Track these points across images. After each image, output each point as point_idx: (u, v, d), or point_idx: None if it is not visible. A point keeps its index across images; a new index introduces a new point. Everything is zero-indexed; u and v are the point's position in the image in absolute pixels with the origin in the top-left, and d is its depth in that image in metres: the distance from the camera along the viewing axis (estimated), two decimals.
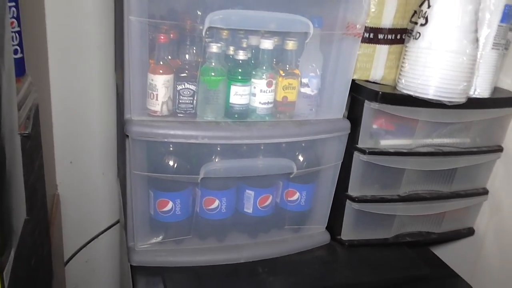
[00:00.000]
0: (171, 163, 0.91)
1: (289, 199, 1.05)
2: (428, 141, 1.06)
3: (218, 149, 0.94)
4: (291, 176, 0.99)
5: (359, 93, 1.02)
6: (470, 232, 1.22)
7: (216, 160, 0.94)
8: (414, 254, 1.13)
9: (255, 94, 0.93)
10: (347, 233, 1.11)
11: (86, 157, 1.48)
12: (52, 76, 1.34)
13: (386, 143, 1.04)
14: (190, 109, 0.90)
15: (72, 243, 1.57)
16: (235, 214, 1.02)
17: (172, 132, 0.87)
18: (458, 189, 1.14)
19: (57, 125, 1.40)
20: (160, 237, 0.99)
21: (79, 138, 1.45)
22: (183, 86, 0.88)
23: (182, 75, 0.88)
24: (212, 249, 1.02)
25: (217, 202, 0.98)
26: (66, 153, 1.45)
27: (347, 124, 1.02)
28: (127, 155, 0.89)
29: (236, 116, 0.93)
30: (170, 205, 0.95)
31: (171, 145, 0.91)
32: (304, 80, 0.96)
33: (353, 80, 1.02)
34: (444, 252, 1.20)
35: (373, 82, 1.05)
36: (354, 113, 1.03)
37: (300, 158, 1.01)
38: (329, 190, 1.08)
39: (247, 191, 1.01)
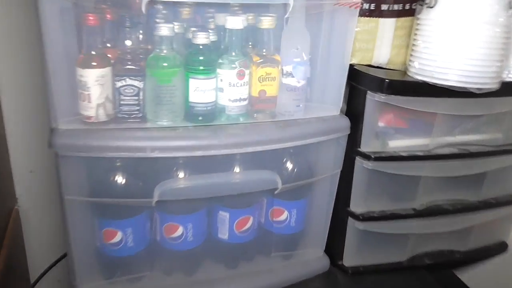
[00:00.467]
0: (115, 184, 0.70)
1: (275, 219, 0.84)
2: (450, 139, 0.84)
3: (179, 162, 0.72)
4: (275, 192, 0.77)
5: (360, 81, 0.80)
6: (502, 248, 1.00)
7: (176, 177, 0.72)
8: (434, 279, 0.92)
9: (223, 89, 0.71)
10: (350, 258, 0.89)
11: (49, 165, 1.27)
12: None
13: (396, 144, 0.83)
14: (135, 112, 0.68)
15: (40, 262, 1.38)
16: (207, 241, 0.81)
17: (111, 144, 0.66)
18: (488, 197, 0.92)
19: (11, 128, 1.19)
20: (111, 275, 0.78)
21: (38, 143, 1.24)
22: (124, 83, 0.66)
23: (123, 67, 0.66)
24: (179, 286, 0.81)
25: (180, 229, 0.77)
26: (25, 161, 1.25)
27: (345, 123, 0.80)
28: (57, 175, 0.68)
29: (199, 119, 0.71)
30: (119, 235, 0.74)
31: (115, 161, 0.69)
32: (287, 68, 0.74)
33: (351, 66, 0.80)
34: (471, 276, 0.98)
35: (377, 67, 0.84)
36: (354, 108, 0.82)
37: (287, 168, 0.79)
38: (326, 206, 0.86)
39: (220, 212, 0.80)
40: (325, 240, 0.89)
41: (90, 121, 0.67)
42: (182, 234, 0.77)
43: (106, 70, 0.65)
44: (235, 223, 0.80)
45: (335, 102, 0.80)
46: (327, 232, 0.88)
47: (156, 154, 0.67)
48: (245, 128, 0.73)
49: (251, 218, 0.81)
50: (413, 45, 0.78)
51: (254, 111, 0.75)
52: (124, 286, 0.78)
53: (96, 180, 0.70)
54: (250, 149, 0.71)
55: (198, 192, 0.73)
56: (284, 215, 0.84)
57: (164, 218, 0.76)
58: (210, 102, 0.71)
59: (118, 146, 0.66)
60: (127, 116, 0.68)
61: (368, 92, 0.77)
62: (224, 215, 0.80)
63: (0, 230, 0.96)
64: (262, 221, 0.85)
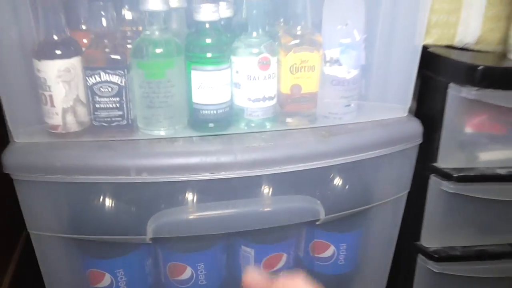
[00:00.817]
0: (95, 215, 0.51)
1: (318, 255, 0.63)
2: None
3: (182, 186, 0.53)
4: (317, 223, 0.56)
5: (438, 70, 0.57)
6: None
7: (177, 207, 0.52)
8: None
9: (239, 84, 0.50)
10: None
11: None
12: None
13: (491, 157, 0.59)
14: (117, 118, 0.49)
15: None
16: (227, 280, 0.61)
17: (81, 163, 0.47)
18: None
19: None
20: None
21: None
22: (98, 79, 0.47)
23: (96, 58, 0.47)
24: None
25: (189, 271, 0.57)
26: None
27: (416, 128, 0.57)
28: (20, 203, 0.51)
29: (209, 126, 0.51)
30: (107, 279, 0.56)
31: (94, 185, 0.51)
32: (332, 53, 0.52)
33: (424, 48, 0.57)
34: None
35: (462, 49, 0.59)
36: (428, 108, 0.59)
37: (333, 191, 0.57)
38: (387, 239, 0.64)
39: (243, 248, 0.59)
40: (384, 285, 0.66)
41: (57, 131, 0.49)
42: (191, 277, 0.58)
43: (73, 62, 0.47)
44: (262, 262, 0.59)
45: (402, 99, 0.57)
46: (387, 274, 0.65)
47: (144, 178, 0.47)
48: (273, 138, 0.52)
49: (285, 256, 0.60)
50: None
51: (286, 114, 0.53)
52: None
53: (68, 211, 0.52)
54: (279, 169, 0.50)
55: (205, 228, 0.53)
56: (330, 251, 0.62)
57: (167, 256, 0.57)
58: (222, 103, 0.50)
59: (91, 167, 0.47)
60: (106, 125, 0.49)
61: (451, 85, 0.55)
62: (248, 252, 0.59)
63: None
64: (301, 255, 0.64)
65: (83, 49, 0.47)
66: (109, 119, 0.49)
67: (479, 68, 0.52)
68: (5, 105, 0.47)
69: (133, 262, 0.57)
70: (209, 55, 0.48)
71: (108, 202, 0.51)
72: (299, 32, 0.50)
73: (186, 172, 0.48)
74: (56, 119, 0.48)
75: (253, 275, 0.31)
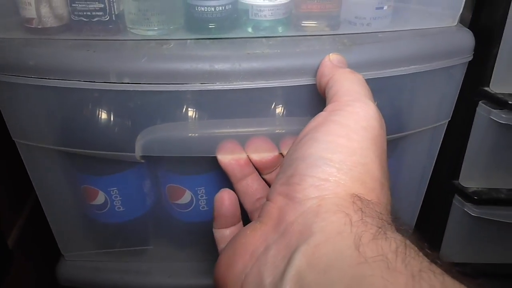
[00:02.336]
0: (79, 126, 0.46)
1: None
2: None
3: (170, 97, 0.46)
4: None
5: None
6: None
7: (169, 121, 0.46)
8: None
9: None
10: (451, 256, 0.58)
11: None
12: None
13: None
14: (98, 13, 0.42)
15: None
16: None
17: (53, 62, 0.41)
18: None
19: None
20: (101, 245, 0.58)
21: None
22: None
23: None
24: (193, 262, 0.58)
25: (188, 195, 0.52)
26: None
27: (467, 41, 0.46)
28: None
29: (209, 27, 0.43)
30: (101, 196, 0.52)
31: (77, 91, 0.45)
32: None
33: None
34: None
35: None
36: (485, 18, 0.46)
37: None
38: (419, 175, 0.54)
39: None
40: (413, 227, 0.58)
41: (32, 26, 0.42)
42: (191, 201, 0.52)
43: None
44: None
45: (451, 3, 0.45)
46: (417, 214, 0.57)
47: (126, 86, 0.41)
48: (282, 45, 0.43)
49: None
50: None
51: (302, 17, 0.44)
52: (123, 257, 0.58)
53: (49, 119, 0.46)
54: (285, 82, 0.42)
55: (200, 149, 0.46)
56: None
57: (166, 176, 0.52)
58: (224, 3, 0.42)
59: (66, 68, 0.41)
60: (85, 20, 0.42)
61: None
62: None
63: None
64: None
65: None
66: (88, 13, 0.41)
67: None
68: None
69: (128, 181, 0.52)
70: None
71: (92, 112, 0.45)
72: None
73: (174, 80, 0.41)
74: (29, 11, 0.41)
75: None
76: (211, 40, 0.43)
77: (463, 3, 0.45)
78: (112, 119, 0.45)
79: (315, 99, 0.42)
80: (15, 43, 0.42)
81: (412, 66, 0.44)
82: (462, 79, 0.47)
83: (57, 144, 0.46)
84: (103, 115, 0.44)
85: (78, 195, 0.53)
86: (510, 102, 0.46)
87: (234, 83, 0.41)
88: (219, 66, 0.40)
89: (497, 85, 0.47)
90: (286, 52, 0.42)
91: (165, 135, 0.44)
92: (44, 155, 0.49)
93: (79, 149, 0.46)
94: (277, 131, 0.44)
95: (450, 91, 0.48)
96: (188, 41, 0.43)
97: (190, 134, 0.45)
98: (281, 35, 0.44)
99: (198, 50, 0.41)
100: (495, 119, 0.47)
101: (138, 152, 0.45)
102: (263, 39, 0.43)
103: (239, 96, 0.42)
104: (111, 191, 0.51)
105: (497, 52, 0.46)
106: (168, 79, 0.41)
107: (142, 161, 0.47)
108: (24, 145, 0.48)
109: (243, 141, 0.44)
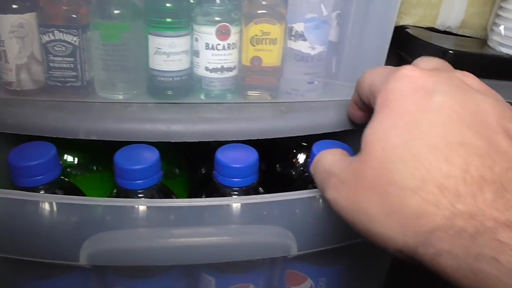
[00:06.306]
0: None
1: (293, 287, 0.57)
2: None
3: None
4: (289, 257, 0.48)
5: (412, 51, 0.55)
6: None
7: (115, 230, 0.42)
8: None
9: (198, 52, 0.49)
10: None
11: None
12: None
13: None
14: (72, 79, 0.48)
15: None
16: None
17: (29, 121, 0.47)
18: None
19: None
20: None
21: None
22: (52, 37, 0.46)
23: (51, 14, 0.46)
24: None
25: None
26: None
27: None
28: None
29: (167, 93, 0.50)
30: None
31: None
32: (297, 26, 0.50)
33: (403, 28, 0.54)
34: None
35: (444, 32, 0.57)
36: None
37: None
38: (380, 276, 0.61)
39: (203, 275, 0.52)
40: None
41: (11, 88, 0.49)
42: None
43: (28, 18, 0.46)
44: None
45: None
46: None
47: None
48: (229, 110, 0.50)
49: (251, 287, 0.53)
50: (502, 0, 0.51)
51: (247, 87, 0.52)
52: None
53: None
54: (231, 137, 0.49)
55: (151, 259, 0.44)
56: (307, 284, 0.55)
57: (111, 280, 0.50)
58: (179, 71, 0.49)
59: (41, 126, 0.47)
60: (60, 85, 0.49)
61: None
62: (209, 280, 0.52)
63: None
64: (275, 285, 0.56)
65: (40, 4, 0.47)
66: (63, 79, 0.48)
67: (450, 52, 0.49)
68: None
69: (69, 285, 0.49)
70: (167, 20, 0.47)
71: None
72: (264, 3, 0.49)
73: (135, 138, 0.48)
74: (10, 76, 0.48)
75: None
76: (169, 104, 0.50)
77: None
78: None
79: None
80: None
81: (335, 128, 0.52)
82: None
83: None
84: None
85: None
86: None
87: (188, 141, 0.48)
88: (175, 127, 0.47)
89: None
90: (232, 117, 0.49)
91: (113, 245, 0.42)
92: None
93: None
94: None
95: None
96: (149, 104, 0.50)
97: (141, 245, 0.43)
98: (229, 101, 0.52)
99: (157, 113, 0.49)
100: None
101: (82, 261, 0.42)
102: (214, 104, 0.51)
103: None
104: None
105: None
106: (130, 137, 0.47)
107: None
108: None
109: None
